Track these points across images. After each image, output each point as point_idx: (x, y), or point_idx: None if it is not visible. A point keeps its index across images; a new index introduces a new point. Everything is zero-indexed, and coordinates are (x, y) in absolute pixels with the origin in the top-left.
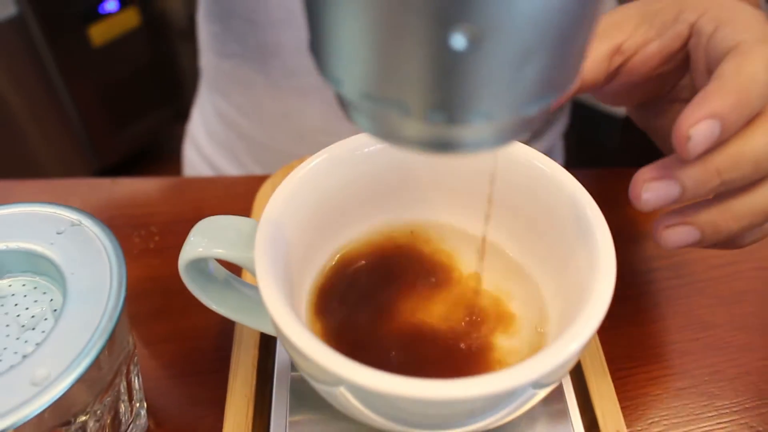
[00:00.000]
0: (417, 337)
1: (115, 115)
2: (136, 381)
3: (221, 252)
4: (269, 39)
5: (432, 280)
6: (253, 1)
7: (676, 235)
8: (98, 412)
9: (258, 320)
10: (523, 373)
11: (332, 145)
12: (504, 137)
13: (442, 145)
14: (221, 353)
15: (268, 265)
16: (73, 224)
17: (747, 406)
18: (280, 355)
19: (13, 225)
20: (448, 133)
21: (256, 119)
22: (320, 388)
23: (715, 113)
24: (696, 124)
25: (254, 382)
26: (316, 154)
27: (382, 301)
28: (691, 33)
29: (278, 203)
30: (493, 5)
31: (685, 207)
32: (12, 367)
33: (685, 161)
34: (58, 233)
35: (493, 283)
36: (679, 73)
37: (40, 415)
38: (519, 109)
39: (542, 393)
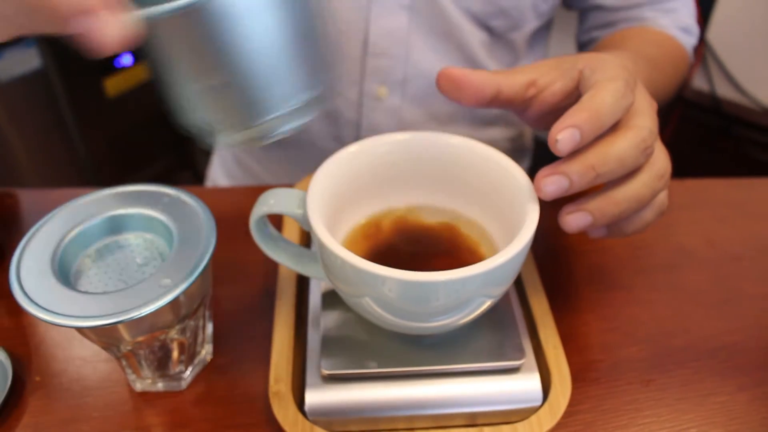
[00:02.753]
0: (414, 257)
1: (124, 162)
2: (209, 321)
3: (280, 209)
4: None
5: (422, 234)
6: None
7: (574, 219)
8: (186, 329)
9: (298, 264)
10: (486, 264)
11: (362, 140)
12: (298, 117)
13: (265, 138)
14: (265, 300)
15: (317, 215)
16: (172, 197)
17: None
18: (312, 295)
19: (131, 198)
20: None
21: (266, 163)
22: (350, 298)
23: (574, 124)
24: (561, 131)
25: (293, 318)
26: (350, 145)
27: (392, 241)
28: (580, 77)
29: (321, 177)
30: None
31: (579, 198)
32: (145, 279)
33: (566, 160)
34: (163, 203)
35: (460, 231)
36: None
37: (164, 309)
38: (291, 104)
39: (498, 290)
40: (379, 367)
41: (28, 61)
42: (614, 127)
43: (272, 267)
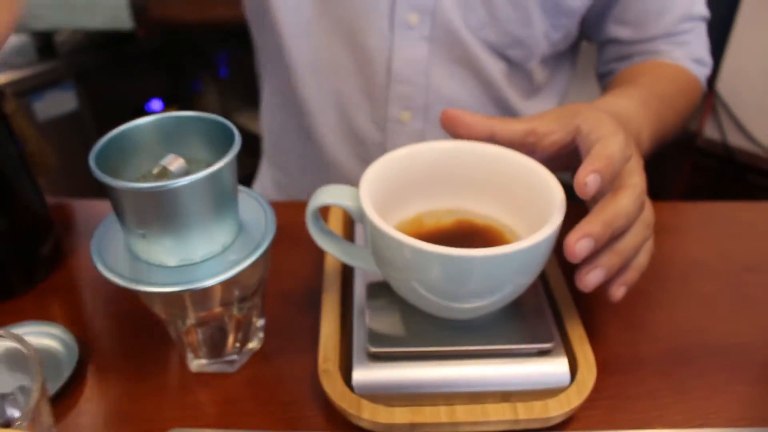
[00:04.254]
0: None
1: None
2: (261, 314)
3: (334, 201)
4: (314, 126)
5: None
6: (300, 99)
7: (592, 278)
8: (244, 307)
9: (345, 254)
10: (519, 244)
11: (411, 145)
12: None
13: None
14: (312, 298)
15: (370, 204)
16: (240, 191)
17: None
18: (357, 288)
19: None
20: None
21: (299, 182)
22: (397, 281)
23: (596, 170)
24: (587, 176)
25: (339, 308)
26: (400, 149)
27: (434, 236)
28: (577, 131)
29: (372, 174)
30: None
31: (590, 258)
32: (214, 256)
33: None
34: None
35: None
36: (575, 156)
37: (227, 284)
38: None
39: (526, 278)
40: (420, 347)
41: (66, 102)
42: (614, 186)
43: (317, 270)
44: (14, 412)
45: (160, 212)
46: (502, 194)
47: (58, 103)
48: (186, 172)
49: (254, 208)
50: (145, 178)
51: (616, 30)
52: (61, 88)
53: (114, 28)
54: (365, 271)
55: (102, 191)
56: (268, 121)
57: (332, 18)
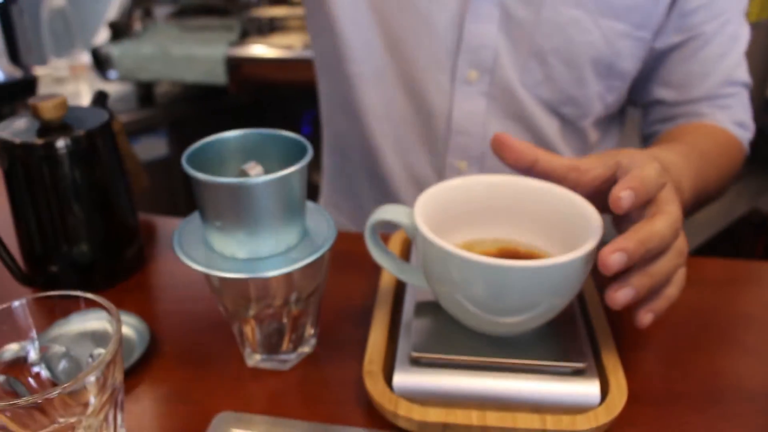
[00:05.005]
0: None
1: None
2: (316, 323)
3: (392, 217)
4: (378, 168)
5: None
6: (366, 143)
7: (622, 295)
8: (301, 306)
9: (398, 269)
10: (563, 258)
11: (463, 177)
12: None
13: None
14: (365, 313)
15: (422, 221)
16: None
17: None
18: (406, 305)
19: None
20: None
21: (361, 217)
22: (443, 294)
23: (630, 187)
24: (623, 191)
25: (388, 321)
26: (453, 179)
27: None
28: (617, 167)
29: (426, 198)
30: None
31: (621, 277)
32: (280, 253)
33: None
34: None
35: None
36: None
37: (289, 279)
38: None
39: (561, 298)
40: (459, 357)
41: (159, 148)
42: (649, 213)
43: (372, 293)
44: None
45: (236, 206)
46: (545, 225)
47: (151, 148)
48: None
49: (319, 220)
50: None
51: (661, 92)
52: (156, 134)
53: (209, 83)
54: (415, 291)
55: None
56: (330, 163)
57: (398, 71)
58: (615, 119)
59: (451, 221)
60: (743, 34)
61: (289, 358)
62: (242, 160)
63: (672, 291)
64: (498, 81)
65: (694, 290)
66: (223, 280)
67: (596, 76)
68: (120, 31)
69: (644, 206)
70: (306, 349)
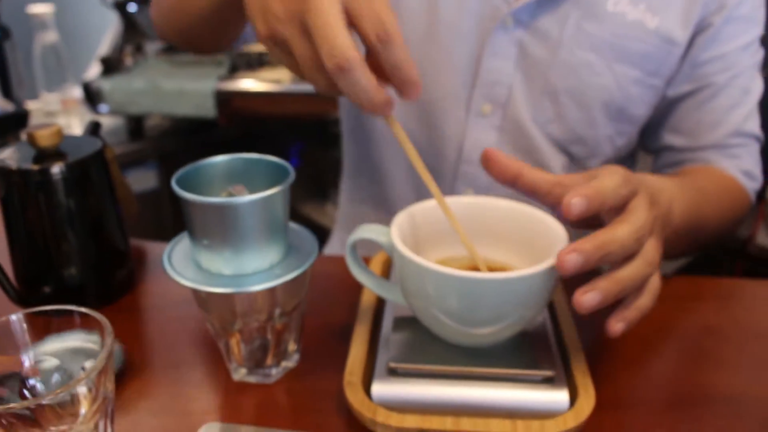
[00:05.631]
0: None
1: None
2: (298, 338)
3: (370, 236)
4: (388, 193)
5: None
6: (378, 164)
7: (588, 299)
8: (284, 321)
9: (377, 286)
10: (530, 269)
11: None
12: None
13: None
14: (346, 330)
15: (399, 238)
16: (292, 226)
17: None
18: (386, 321)
19: None
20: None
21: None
22: (419, 308)
23: (582, 194)
24: (573, 198)
25: (368, 336)
26: (428, 200)
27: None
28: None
29: (402, 218)
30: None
31: (588, 282)
32: (263, 270)
33: (581, 241)
34: None
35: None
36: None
37: (273, 294)
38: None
39: (531, 309)
40: (435, 367)
41: (148, 180)
42: (613, 221)
43: (354, 312)
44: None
45: (222, 225)
46: (517, 243)
47: (141, 179)
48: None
49: (302, 239)
50: None
51: (671, 138)
52: (145, 166)
53: (198, 116)
54: (394, 308)
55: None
56: (346, 189)
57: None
58: (624, 163)
59: (427, 240)
60: (755, 88)
61: (274, 373)
62: (229, 183)
63: (644, 301)
64: (510, 116)
65: (662, 305)
66: (210, 295)
67: (607, 118)
68: (111, 66)
69: (615, 214)
70: (290, 363)
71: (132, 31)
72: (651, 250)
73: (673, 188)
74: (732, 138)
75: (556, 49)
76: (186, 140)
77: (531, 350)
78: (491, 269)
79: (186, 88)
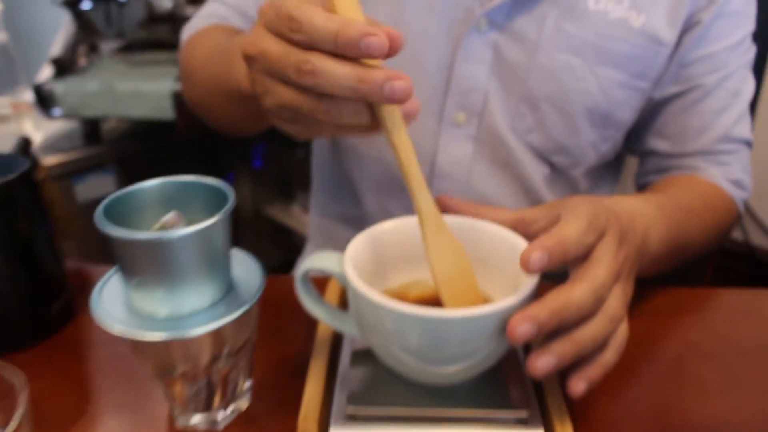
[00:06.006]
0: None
1: None
2: (248, 375)
3: (321, 265)
4: (357, 210)
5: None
6: (346, 180)
7: (543, 363)
8: (230, 364)
9: (333, 319)
10: (500, 304)
11: (396, 219)
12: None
13: None
14: (301, 364)
15: (352, 269)
16: (234, 252)
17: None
18: (343, 356)
19: None
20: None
21: None
22: (378, 345)
23: (543, 247)
24: (533, 252)
25: (325, 374)
26: (385, 222)
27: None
28: (557, 219)
29: (357, 244)
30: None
31: (543, 344)
32: (203, 310)
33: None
34: None
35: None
36: None
37: (215, 337)
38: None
39: (502, 343)
40: (398, 411)
41: (106, 186)
42: (573, 276)
43: (310, 341)
44: None
45: (153, 263)
46: (485, 265)
47: (99, 186)
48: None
49: (247, 269)
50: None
51: (656, 142)
52: (103, 172)
53: (156, 119)
54: (352, 340)
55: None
56: (318, 203)
57: None
58: (610, 167)
59: (391, 262)
60: (746, 90)
61: (222, 417)
62: (163, 209)
63: (608, 357)
64: (486, 125)
65: (640, 321)
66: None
67: (590, 125)
68: (64, 67)
69: (579, 261)
70: (240, 404)
71: (85, 30)
72: (614, 303)
73: (649, 213)
74: (720, 144)
75: (533, 53)
76: (145, 144)
77: (502, 387)
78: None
79: (142, 90)
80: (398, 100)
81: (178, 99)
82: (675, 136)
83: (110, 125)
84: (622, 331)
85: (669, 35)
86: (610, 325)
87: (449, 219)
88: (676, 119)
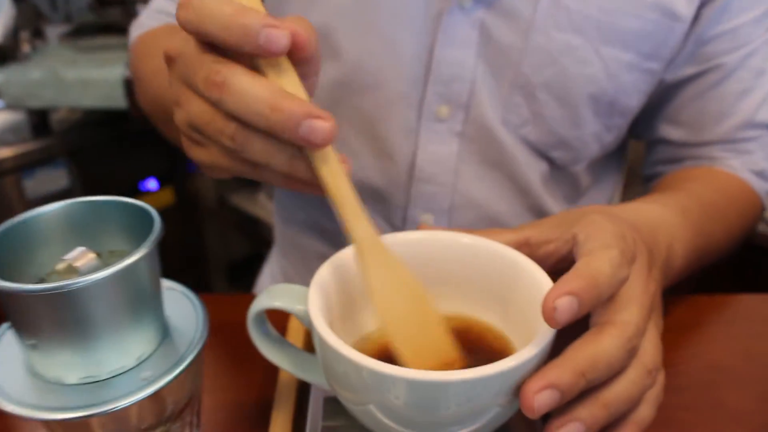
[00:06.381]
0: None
1: None
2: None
3: (279, 304)
4: (326, 221)
5: None
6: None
7: None
8: (177, 427)
9: (298, 368)
10: (504, 363)
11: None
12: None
13: None
14: (261, 411)
15: (318, 309)
16: (168, 288)
17: None
18: (313, 405)
19: None
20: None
21: (308, 277)
22: (353, 405)
23: (572, 291)
24: (559, 298)
25: (291, 422)
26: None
27: None
28: (574, 241)
29: (329, 271)
30: None
31: (567, 407)
32: (127, 371)
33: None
34: None
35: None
36: None
37: (145, 405)
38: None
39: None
40: None
41: (58, 180)
42: (599, 319)
43: (271, 378)
44: None
45: (55, 319)
46: (484, 291)
47: (50, 180)
48: (97, 269)
49: (184, 307)
50: (49, 277)
51: (668, 130)
52: (54, 165)
53: (108, 108)
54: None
55: None
56: (280, 210)
57: (352, 105)
58: (613, 158)
59: (362, 297)
60: None
61: None
62: (72, 239)
63: (644, 413)
64: (474, 119)
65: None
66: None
67: (594, 114)
68: (5, 54)
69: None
70: None
71: (28, 14)
72: (651, 349)
73: (672, 222)
74: (742, 131)
75: (528, 32)
76: (98, 134)
77: None
78: (454, 328)
79: (91, 77)
80: (315, 144)
81: (131, 86)
82: (690, 123)
83: (60, 116)
84: (660, 378)
85: (686, 9)
86: (648, 378)
87: (446, 236)
88: (691, 104)
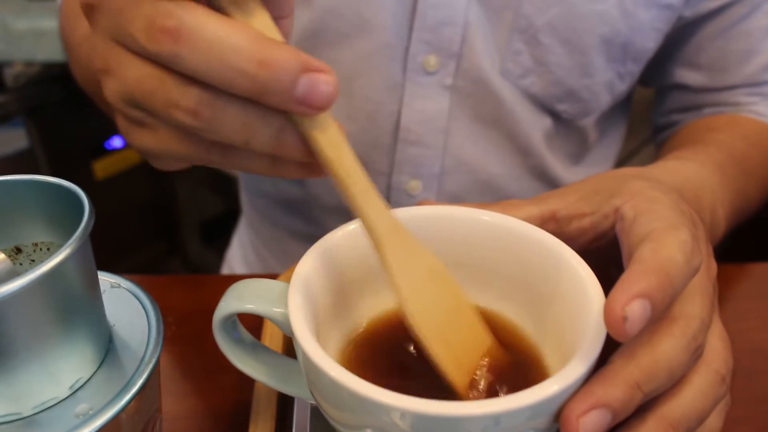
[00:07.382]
0: (434, 376)
1: (111, 248)
2: None
3: (252, 307)
4: (287, 187)
5: None
6: None
7: None
8: None
9: (280, 380)
10: (535, 393)
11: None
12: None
13: None
14: (237, 420)
15: (301, 315)
16: (112, 285)
17: None
18: (298, 416)
19: None
20: None
21: (281, 257)
22: (344, 429)
23: (644, 293)
24: (630, 303)
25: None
26: (349, 223)
27: (403, 353)
28: (617, 216)
29: (308, 265)
30: None
31: (621, 429)
32: (59, 403)
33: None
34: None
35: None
36: (613, 251)
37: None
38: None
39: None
40: None
41: (16, 140)
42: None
43: (248, 379)
44: None
45: None
46: (497, 278)
47: (8, 140)
48: (13, 273)
49: (131, 310)
50: None
51: (685, 74)
52: (12, 124)
53: (65, 61)
54: None
55: None
56: (245, 178)
57: (323, 59)
58: (619, 108)
59: (355, 282)
60: None
61: None
62: None
63: (713, 424)
64: (467, 70)
65: None
66: None
67: (606, 59)
68: None
69: None
70: None
71: None
72: (720, 348)
73: (713, 183)
74: None
75: None
76: (57, 90)
77: None
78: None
79: (44, 28)
80: (316, 106)
81: None
82: (711, 65)
83: (15, 70)
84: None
85: None
86: (722, 386)
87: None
88: (713, 44)
